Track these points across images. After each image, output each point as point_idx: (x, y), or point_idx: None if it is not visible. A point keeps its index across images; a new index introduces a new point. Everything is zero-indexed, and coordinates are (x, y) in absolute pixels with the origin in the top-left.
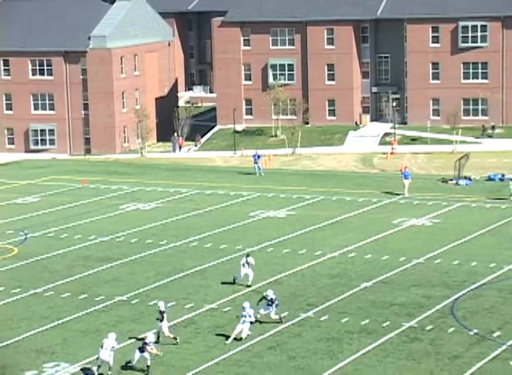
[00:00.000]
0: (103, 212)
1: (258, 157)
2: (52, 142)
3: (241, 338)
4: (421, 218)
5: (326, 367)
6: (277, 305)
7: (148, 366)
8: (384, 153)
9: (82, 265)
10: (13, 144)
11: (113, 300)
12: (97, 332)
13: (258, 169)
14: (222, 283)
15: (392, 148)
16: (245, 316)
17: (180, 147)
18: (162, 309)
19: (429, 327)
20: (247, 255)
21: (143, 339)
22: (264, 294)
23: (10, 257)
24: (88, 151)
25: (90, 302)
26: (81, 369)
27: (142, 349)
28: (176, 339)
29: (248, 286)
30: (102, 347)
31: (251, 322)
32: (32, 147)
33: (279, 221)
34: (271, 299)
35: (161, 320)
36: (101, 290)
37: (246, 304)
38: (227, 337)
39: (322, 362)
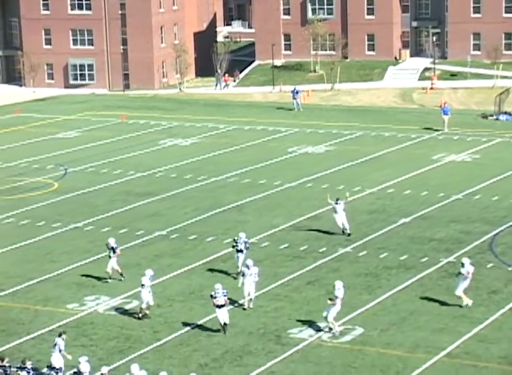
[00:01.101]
0: (142, 147)
1: (297, 92)
2: (91, 77)
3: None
4: (460, 154)
5: (365, 302)
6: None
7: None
8: (423, 89)
9: (122, 200)
10: (52, 79)
11: (153, 235)
12: (137, 266)
13: (296, 104)
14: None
15: (432, 83)
16: (250, 275)
17: (226, 84)
18: (113, 245)
19: None
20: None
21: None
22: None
23: (50, 192)
24: (127, 87)
25: (130, 237)
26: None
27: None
28: (122, 275)
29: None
30: (143, 286)
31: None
32: (71, 82)
33: (318, 156)
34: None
35: (110, 257)
36: (141, 225)
37: (249, 262)
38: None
39: (361, 297)
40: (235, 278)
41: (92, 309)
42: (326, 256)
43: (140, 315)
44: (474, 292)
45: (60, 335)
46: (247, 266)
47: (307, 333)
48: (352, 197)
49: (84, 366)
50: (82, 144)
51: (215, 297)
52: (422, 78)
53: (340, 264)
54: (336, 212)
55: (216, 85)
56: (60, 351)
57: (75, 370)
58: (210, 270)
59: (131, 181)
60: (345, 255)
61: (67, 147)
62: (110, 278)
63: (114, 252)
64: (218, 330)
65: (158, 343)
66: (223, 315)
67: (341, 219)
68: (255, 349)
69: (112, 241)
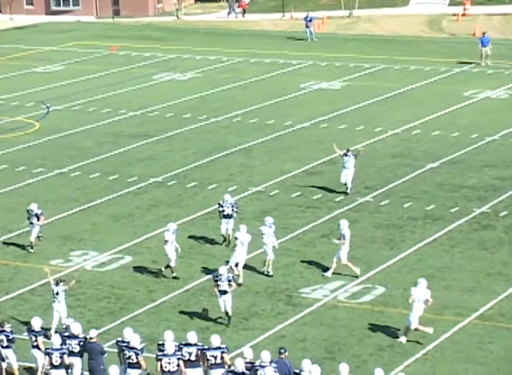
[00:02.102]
0: (134, 82)
1: (310, 20)
2: (76, 2)
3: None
4: (496, 90)
5: (386, 258)
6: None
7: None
8: (455, 15)
9: (112, 142)
10: (31, 4)
11: (147, 182)
12: (130, 216)
13: (310, 33)
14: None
15: (464, 9)
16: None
17: (243, 10)
18: (37, 211)
19: (503, 213)
20: None
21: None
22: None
23: (31, 133)
24: (117, 13)
25: (122, 184)
26: None
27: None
28: (32, 247)
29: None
30: (166, 242)
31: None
32: (53, 8)
33: (334, 93)
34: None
35: (33, 225)
36: (134, 170)
37: (270, 220)
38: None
39: (382, 252)
40: (227, 246)
41: (79, 266)
42: (343, 206)
43: (164, 272)
44: (510, 246)
45: (57, 284)
46: (269, 225)
47: (321, 293)
48: (372, 138)
49: (76, 328)
50: (67, 78)
51: (217, 282)
52: (452, 3)
53: (358, 215)
54: (344, 166)
55: (229, 12)
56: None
57: (66, 333)
58: (213, 221)
59: (122, 121)
60: (364, 205)
61: (50, 82)
62: (32, 248)
63: (38, 219)
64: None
65: (153, 304)
66: (226, 303)
67: (347, 175)
68: (263, 311)
69: (35, 207)
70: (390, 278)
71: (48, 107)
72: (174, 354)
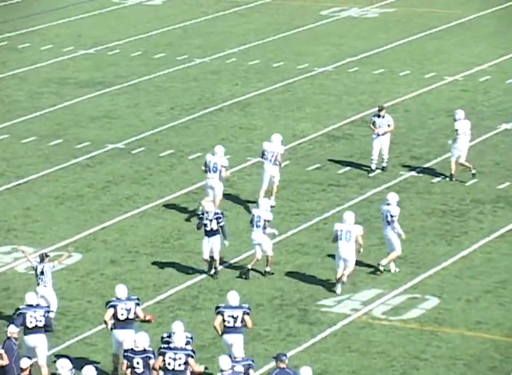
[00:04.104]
0: (87, 8)
1: None
2: None
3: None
4: None
5: (441, 257)
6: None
7: None
8: None
9: (54, 93)
10: None
11: (104, 149)
12: (78, 198)
13: None
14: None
15: None
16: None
17: None
18: None
19: None
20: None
21: None
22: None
23: None
24: None
25: (67, 152)
26: None
27: None
28: None
29: None
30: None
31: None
32: None
33: (367, 22)
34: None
35: None
36: (84, 132)
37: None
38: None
39: (435, 249)
40: (212, 276)
41: (7, 267)
42: (379, 183)
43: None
44: None
45: (42, 260)
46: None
47: (349, 306)
48: (422, 88)
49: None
50: None
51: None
52: None
53: (403, 197)
54: (375, 132)
55: None
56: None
57: None
58: (195, 204)
59: (68, 62)
60: (410, 183)
61: None
62: None
63: None
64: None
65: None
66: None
67: (381, 144)
68: (267, 331)
69: None
70: (447, 285)
71: None
72: (183, 349)
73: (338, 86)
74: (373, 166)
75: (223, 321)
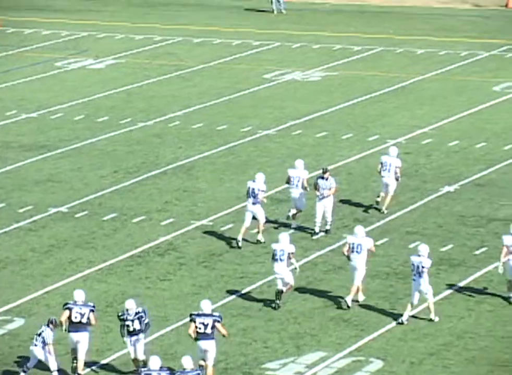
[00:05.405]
0: (29, 72)
1: None
2: None
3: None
4: None
5: (385, 320)
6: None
7: None
8: None
9: None
10: None
11: (47, 213)
12: (21, 262)
13: (276, 3)
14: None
15: None
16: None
17: None
18: None
19: None
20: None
21: None
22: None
23: None
24: None
25: (10, 216)
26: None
27: None
28: None
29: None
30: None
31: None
32: None
33: (311, 87)
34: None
35: None
36: (27, 196)
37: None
38: None
39: (379, 311)
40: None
41: None
42: (323, 246)
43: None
44: None
45: (48, 324)
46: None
47: (293, 369)
48: (365, 151)
49: None
50: None
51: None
52: None
53: (345, 260)
54: (318, 196)
55: None
56: (45, 344)
57: None
58: (140, 267)
59: (12, 126)
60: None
61: None
62: None
63: None
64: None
65: None
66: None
67: (325, 206)
68: None
69: None
70: (391, 347)
71: None
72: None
73: (282, 149)
74: (317, 229)
75: (196, 327)
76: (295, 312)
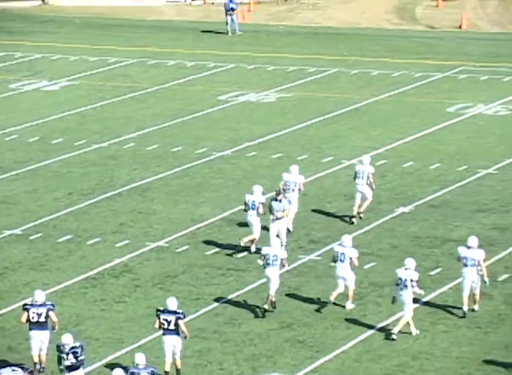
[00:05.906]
0: None
1: (232, 9)
2: None
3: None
4: (491, 103)
5: (341, 340)
6: None
7: None
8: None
9: None
10: None
11: (1, 235)
12: None
13: (232, 24)
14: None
15: None
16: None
17: None
18: None
19: (503, 276)
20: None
21: None
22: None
23: None
24: None
25: None
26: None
27: None
28: None
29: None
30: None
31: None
32: None
33: (266, 108)
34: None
35: None
36: None
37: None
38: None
39: (335, 332)
40: None
41: None
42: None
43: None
44: None
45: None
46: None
47: None
48: (319, 173)
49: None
50: None
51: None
52: None
53: (302, 281)
54: (272, 218)
55: None
56: None
57: None
58: (95, 290)
59: None
60: (309, 267)
61: None
62: None
63: None
64: None
65: None
66: None
67: (279, 228)
68: None
69: None
70: (346, 369)
71: None
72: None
73: (237, 170)
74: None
75: (160, 323)
76: (251, 334)
